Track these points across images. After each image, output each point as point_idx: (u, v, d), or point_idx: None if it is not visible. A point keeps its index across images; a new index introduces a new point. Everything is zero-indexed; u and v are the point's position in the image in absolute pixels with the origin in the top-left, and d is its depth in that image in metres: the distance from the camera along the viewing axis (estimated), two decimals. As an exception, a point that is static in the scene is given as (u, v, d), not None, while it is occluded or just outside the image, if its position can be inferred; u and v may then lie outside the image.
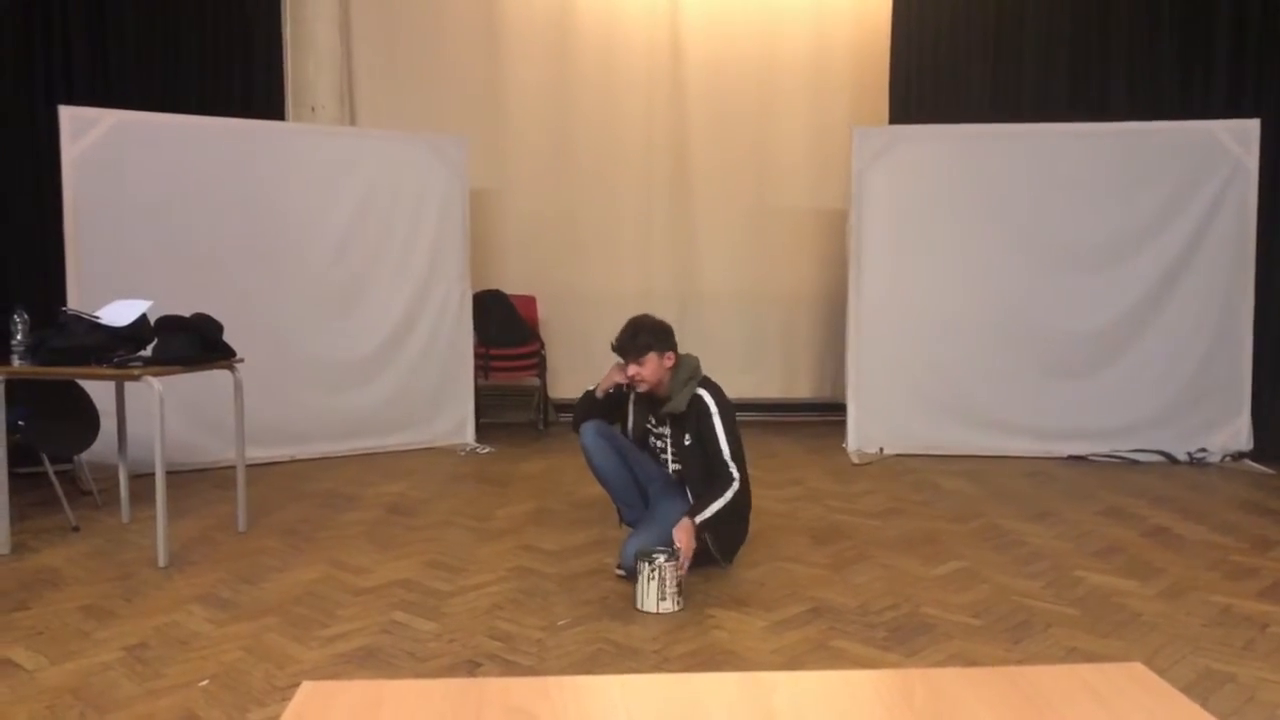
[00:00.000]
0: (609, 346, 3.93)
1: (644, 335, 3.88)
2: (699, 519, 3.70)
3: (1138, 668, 1.23)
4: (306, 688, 1.14)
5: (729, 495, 3.76)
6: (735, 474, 3.81)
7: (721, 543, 3.89)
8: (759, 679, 1.21)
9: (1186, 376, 6.22)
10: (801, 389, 7.81)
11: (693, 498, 3.89)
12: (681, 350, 3.98)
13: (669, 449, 4.03)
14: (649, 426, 4.09)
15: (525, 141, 7.57)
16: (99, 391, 4.92)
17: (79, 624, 3.38)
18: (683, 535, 3.62)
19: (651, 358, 3.87)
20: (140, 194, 5.63)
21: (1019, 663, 3.03)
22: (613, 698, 1.16)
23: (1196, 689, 2.84)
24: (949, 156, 6.34)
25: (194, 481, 5.51)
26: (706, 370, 4.00)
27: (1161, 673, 1.19)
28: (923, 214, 6.34)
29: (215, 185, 5.84)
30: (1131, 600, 3.64)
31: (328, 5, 7.01)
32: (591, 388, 4.12)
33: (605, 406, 4.09)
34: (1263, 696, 2.82)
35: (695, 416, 3.87)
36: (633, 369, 3.88)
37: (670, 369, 3.91)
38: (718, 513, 3.74)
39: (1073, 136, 6.26)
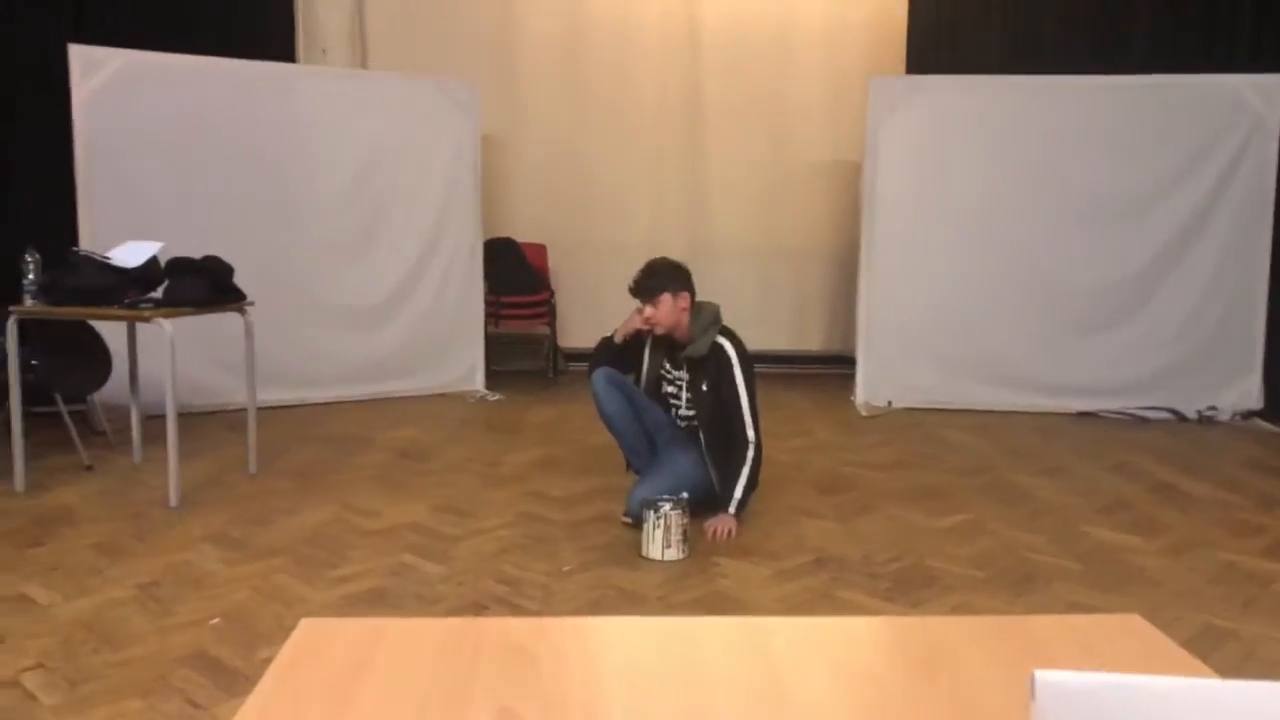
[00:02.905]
0: (625, 291, 3.92)
1: (657, 276, 3.89)
2: (734, 509, 3.81)
3: (1134, 619, 1.23)
4: (305, 624, 1.16)
5: (750, 465, 3.85)
6: (752, 437, 3.86)
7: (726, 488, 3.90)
8: (757, 623, 1.22)
9: (1199, 333, 6.18)
10: (812, 341, 7.79)
11: (705, 447, 3.92)
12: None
13: (683, 393, 4.03)
14: (663, 372, 4.09)
15: (538, 89, 7.49)
16: (111, 332, 4.94)
17: (92, 561, 3.44)
18: (722, 526, 3.76)
19: (665, 299, 3.86)
20: (151, 135, 5.61)
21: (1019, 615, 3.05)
22: (610, 638, 1.17)
23: (1197, 644, 2.86)
24: (966, 108, 6.24)
25: (205, 423, 5.56)
26: (718, 322, 4.00)
27: (1163, 628, 1.19)
28: (937, 166, 6.26)
29: (225, 127, 5.81)
30: (1135, 556, 3.66)
31: (339, -55, 6.92)
32: (610, 334, 4.12)
33: (623, 353, 4.09)
34: (1263, 653, 2.84)
35: (716, 365, 3.88)
36: (647, 310, 3.88)
37: (686, 310, 3.90)
38: (746, 485, 3.84)
39: (1092, 89, 6.16)
